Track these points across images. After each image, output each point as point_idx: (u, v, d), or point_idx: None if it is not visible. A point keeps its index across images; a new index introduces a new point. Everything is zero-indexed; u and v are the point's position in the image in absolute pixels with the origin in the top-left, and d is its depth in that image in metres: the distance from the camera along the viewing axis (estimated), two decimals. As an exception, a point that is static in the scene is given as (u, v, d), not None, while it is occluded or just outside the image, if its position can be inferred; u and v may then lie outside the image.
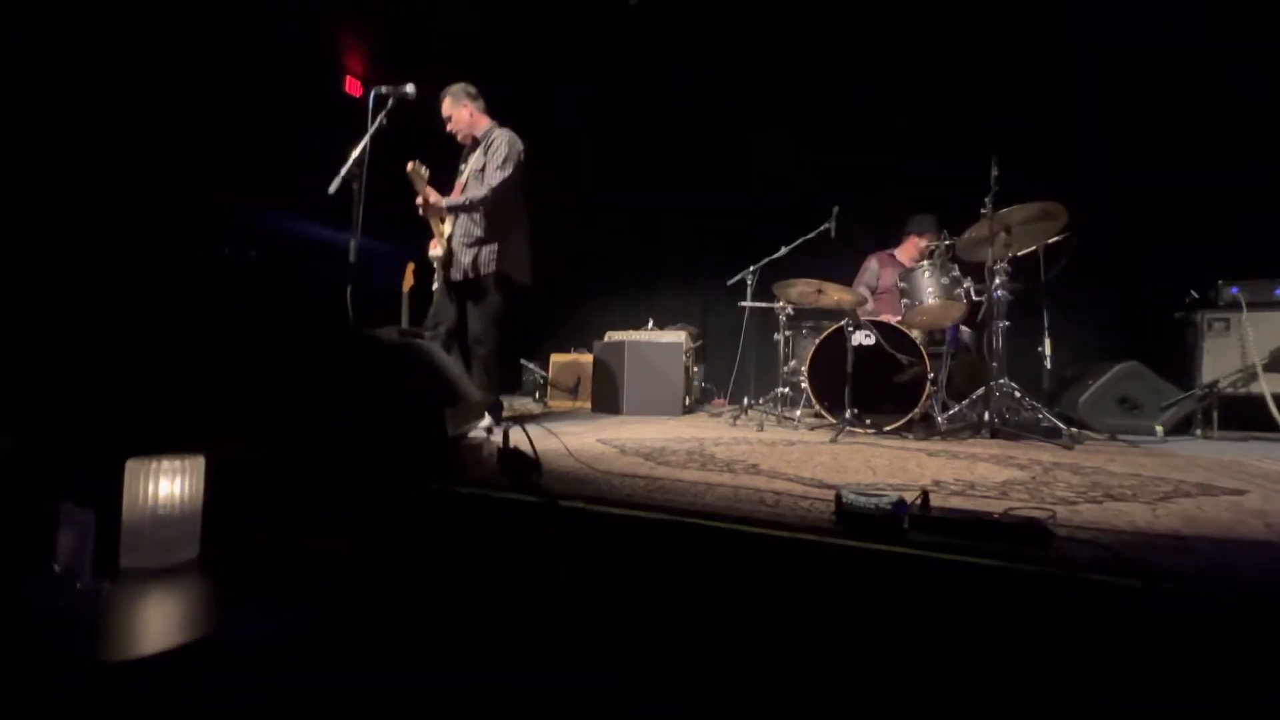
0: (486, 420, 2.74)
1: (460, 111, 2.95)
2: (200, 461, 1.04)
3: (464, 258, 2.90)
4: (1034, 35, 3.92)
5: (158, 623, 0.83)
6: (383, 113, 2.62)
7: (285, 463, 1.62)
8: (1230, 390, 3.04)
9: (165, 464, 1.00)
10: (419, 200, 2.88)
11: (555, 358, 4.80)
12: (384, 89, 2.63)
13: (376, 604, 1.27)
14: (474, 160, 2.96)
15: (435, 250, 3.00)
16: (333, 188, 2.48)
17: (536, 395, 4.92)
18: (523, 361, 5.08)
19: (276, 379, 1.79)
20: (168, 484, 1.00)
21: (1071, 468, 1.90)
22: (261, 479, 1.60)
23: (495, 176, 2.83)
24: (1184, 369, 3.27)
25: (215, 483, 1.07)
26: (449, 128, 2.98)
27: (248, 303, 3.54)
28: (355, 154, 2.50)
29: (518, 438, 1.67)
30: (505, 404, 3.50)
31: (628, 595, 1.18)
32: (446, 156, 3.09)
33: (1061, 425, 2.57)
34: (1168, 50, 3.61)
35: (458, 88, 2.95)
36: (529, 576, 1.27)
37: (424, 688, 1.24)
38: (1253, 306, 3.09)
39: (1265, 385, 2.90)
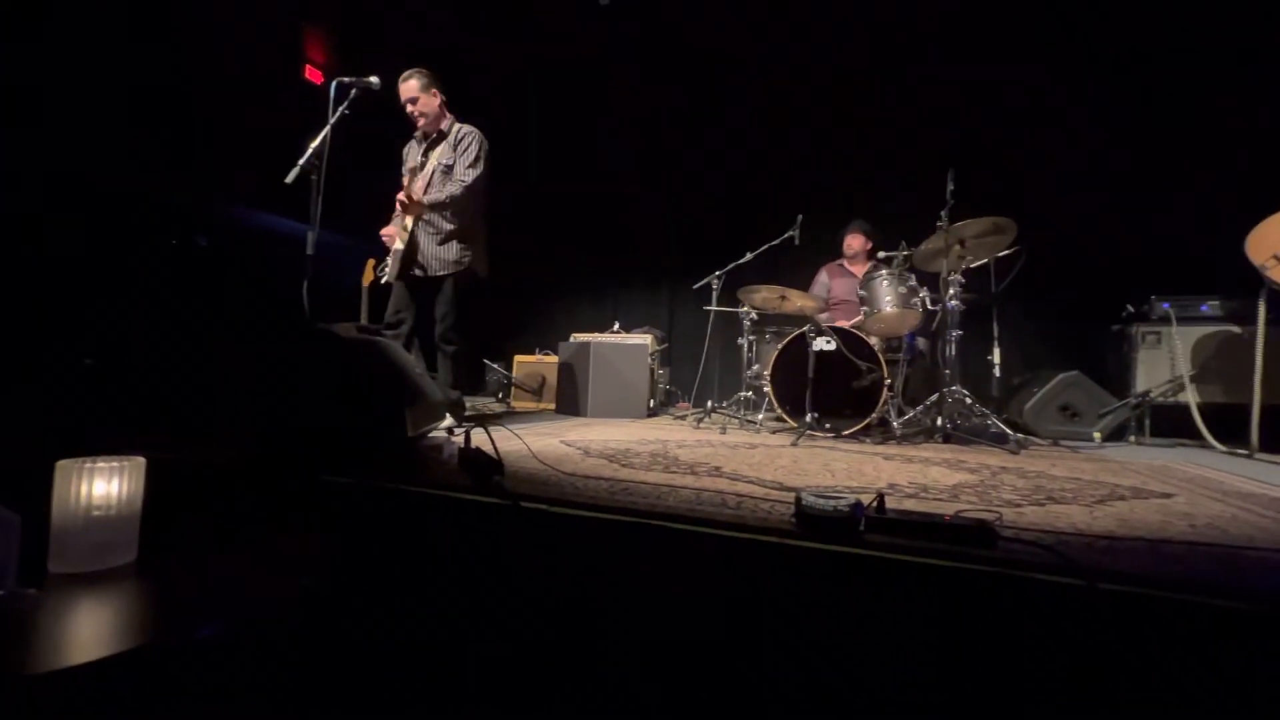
0: (448, 421, 2.70)
1: (432, 100, 2.87)
2: (140, 462, 0.99)
3: (431, 254, 2.86)
4: (987, 53, 4.09)
5: (88, 631, 0.78)
6: (345, 103, 2.54)
7: (236, 462, 1.56)
8: (1161, 399, 3.23)
9: (101, 464, 0.94)
10: (401, 195, 2.82)
11: (519, 358, 4.74)
12: (347, 79, 2.56)
13: (331, 608, 1.23)
14: (440, 155, 2.89)
15: (396, 245, 2.92)
16: (290, 178, 2.40)
17: (500, 396, 4.85)
18: (486, 362, 5.01)
19: (227, 375, 1.72)
20: (104, 485, 0.94)
21: (1017, 472, 1.99)
22: (210, 478, 1.53)
23: (469, 174, 2.80)
24: (1120, 379, 3.46)
25: (160, 483, 1.01)
26: (416, 111, 2.85)
27: (196, 294, 3.38)
28: (315, 144, 2.42)
29: (480, 439, 1.64)
30: (468, 404, 3.44)
31: (591, 597, 1.18)
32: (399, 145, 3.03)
33: (1009, 431, 2.68)
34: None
35: (428, 75, 2.85)
36: (491, 579, 1.26)
37: (378, 692, 1.21)
38: (1181, 321, 3.29)
39: (1192, 395, 3.10)
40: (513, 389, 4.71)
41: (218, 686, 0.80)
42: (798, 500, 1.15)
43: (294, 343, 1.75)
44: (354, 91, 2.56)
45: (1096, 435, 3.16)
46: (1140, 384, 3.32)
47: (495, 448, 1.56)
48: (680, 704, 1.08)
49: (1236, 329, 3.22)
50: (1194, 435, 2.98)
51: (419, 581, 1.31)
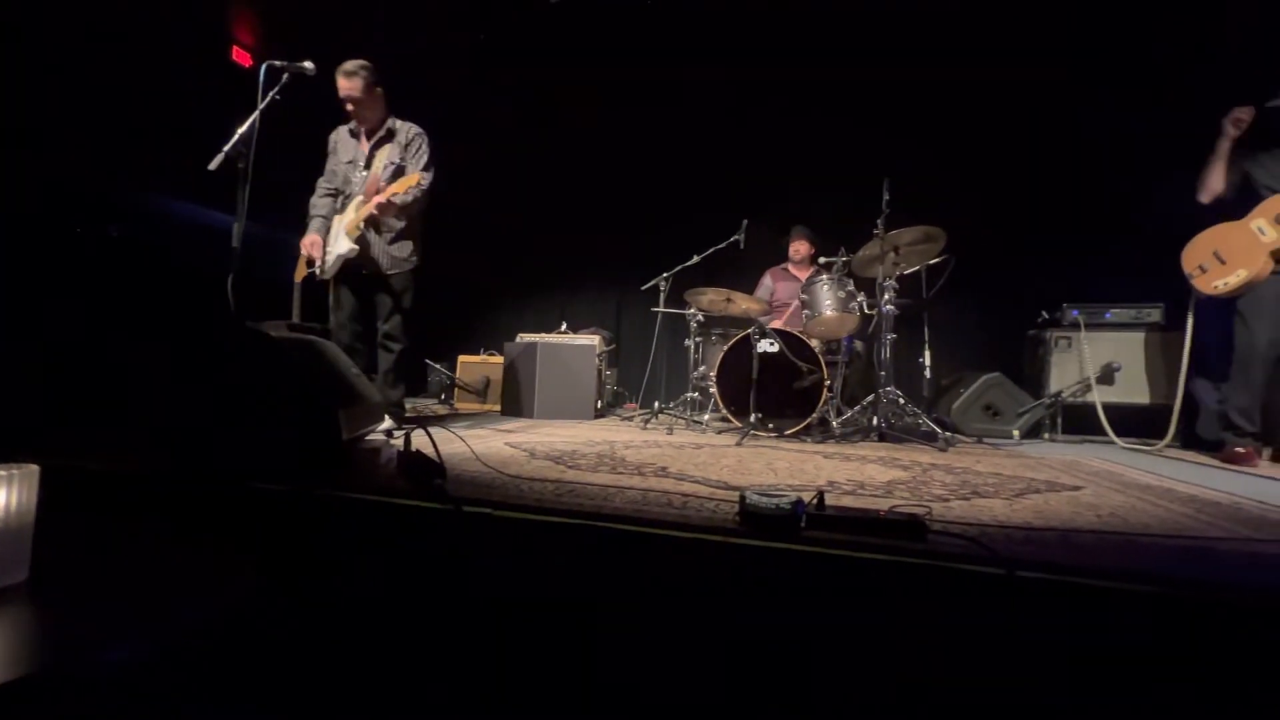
0: (387, 423, 2.61)
1: (374, 97, 2.77)
2: (33, 471, 0.90)
3: (382, 252, 2.81)
4: (920, 66, 4.31)
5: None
6: (276, 88, 2.41)
7: (150, 470, 1.44)
8: (1071, 399, 3.50)
9: (-12, 472, 0.85)
10: (379, 197, 2.71)
11: (463, 358, 4.63)
12: (278, 63, 2.42)
13: (255, 624, 1.16)
14: (388, 154, 2.82)
15: (343, 246, 2.77)
16: (214, 164, 2.24)
17: (442, 397, 4.72)
18: (429, 362, 4.85)
19: (140, 376, 1.59)
20: (-9, 496, 0.85)
21: (945, 468, 2.10)
22: (119, 488, 1.41)
23: (426, 178, 2.75)
24: (1037, 380, 3.72)
25: (61, 492, 0.93)
26: (356, 108, 2.75)
27: (106, 288, 3.12)
28: (242, 130, 2.28)
29: (421, 441, 1.59)
30: (408, 406, 3.33)
31: (536, 600, 1.16)
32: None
33: (938, 429, 2.83)
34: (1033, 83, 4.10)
35: (370, 69, 2.74)
36: (432, 587, 1.22)
37: (311, 713, 1.15)
38: (1089, 327, 3.57)
39: (1097, 395, 3.37)
40: (456, 390, 4.59)
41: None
42: (742, 499, 1.17)
43: (217, 341, 1.64)
44: (286, 76, 2.43)
45: (1015, 433, 3.38)
46: (1053, 385, 3.58)
47: (437, 450, 1.52)
48: (629, 705, 1.08)
49: (1138, 334, 3.53)
50: (1100, 432, 3.24)
51: (354, 592, 1.25)
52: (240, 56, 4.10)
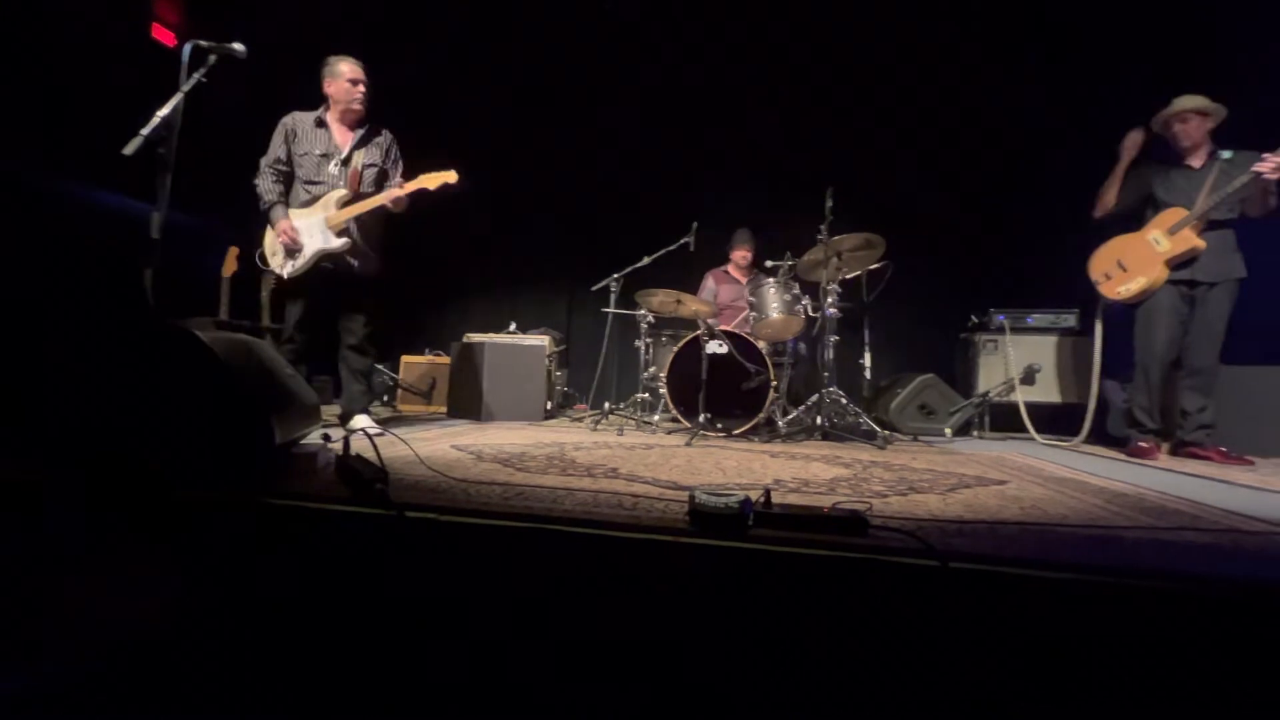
0: (366, 421, 2.52)
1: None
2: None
3: (365, 257, 2.78)
4: (859, 81, 4.49)
5: None
6: (202, 69, 2.26)
7: (63, 481, 1.32)
8: (997, 399, 3.72)
9: None
10: (401, 192, 2.72)
11: (407, 359, 4.48)
12: (204, 42, 2.27)
13: (180, 643, 1.08)
14: (366, 156, 2.78)
15: (331, 241, 2.65)
16: (130, 149, 2.07)
17: (385, 399, 4.55)
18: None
19: (40, 377, 1.46)
20: None
21: (884, 465, 2.20)
22: (27, 502, 1.29)
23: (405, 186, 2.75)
24: (967, 381, 3.94)
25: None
26: (362, 103, 2.76)
27: (8, 280, 2.85)
28: (163, 112, 2.12)
29: (361, 445, 1.53)
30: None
31: (485, 607, 1.13)
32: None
33: (877, 428, 2.95)
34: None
35: None
36: (373, 597, 1.17)
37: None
38: (1014, 330, 3.81)
39: (1020, 395, 3.59)
40: (400, 392, 4.44)
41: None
42: (691, 499, 1.18)
43: (134, 341, 1.52)
44: (213, 58, 2.28)
45: (948, 431, 3.57)
46: (981, 385, 3.80)
47: (378, 454, 1.46)
48: (582, 707, 1.07)
49: (1056, 337, 3.79)
50: (1022, 430, 3.46)
51: (288, 605, 1.19)
52: (162, 34, 3.83)
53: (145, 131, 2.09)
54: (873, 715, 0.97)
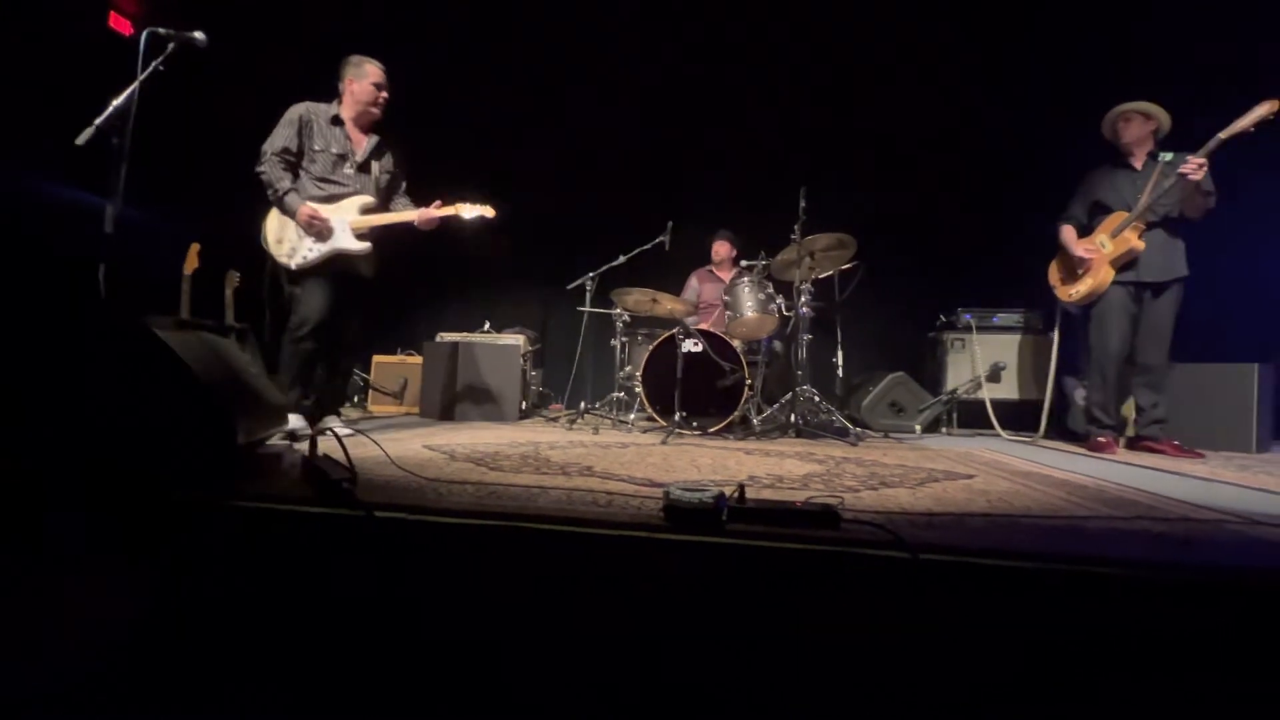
0: (291, 424, 2.43)
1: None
2: None
3: (374, 259, 2.72)
4: (835, 81, 4.56)
5: None
6: (160, 58, 2.18)
7: (8, 485, 1.26)
8: (965, 396, 3.81)
9: None
10: (439, 210, 2.71)
11: (378, 359, 4.39)
12: (163, 30, 2.19)
13: (138, 656, 1.04)
14: (383, 163, 2.75)
15: (353, 243, 2.58)
16: (82, 139, 1.99)
17: (355, 399, 4.45)
18: (339, 362, 4.56)
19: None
20: None
21: (856, 461, 2.23)
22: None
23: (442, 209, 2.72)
24: (935, 379, 4.02)
25: None
26: (382, 109, 2.69)
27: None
28: (118, 102, 2.04)
29: (329, 445, 1.49)
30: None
31: (458, 607, 1.11)
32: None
33: (849, 425, 3.00)
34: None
35: None
36: (341, 600, 1.14)
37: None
38: (980, 329, 3.91)
39: (986, 393, 3.69)
40: (370, 392, 4.35)
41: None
42: (666, 495, 1.18)
43: (86, 337, 1.45)
44: (171, 46, 2.20)
45: (917, 427, 3.64)
46: (949, 383, 3.89)
47: (346, 454, 1.43)
48: (559, 705, 1.06)
49: (1020, 336, 3.89)
50: (988, 426, 3.55)
51: (252, 612, 1.15)
52: (119, 23, 3.68)
53: (98, 121, 2.01)
54: (847, 704, 0.99)
